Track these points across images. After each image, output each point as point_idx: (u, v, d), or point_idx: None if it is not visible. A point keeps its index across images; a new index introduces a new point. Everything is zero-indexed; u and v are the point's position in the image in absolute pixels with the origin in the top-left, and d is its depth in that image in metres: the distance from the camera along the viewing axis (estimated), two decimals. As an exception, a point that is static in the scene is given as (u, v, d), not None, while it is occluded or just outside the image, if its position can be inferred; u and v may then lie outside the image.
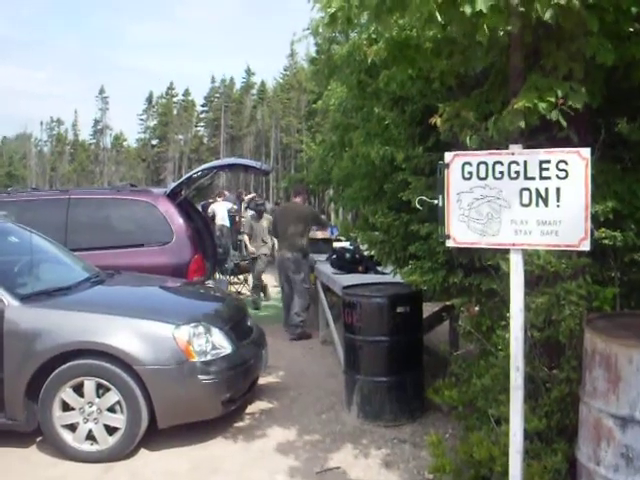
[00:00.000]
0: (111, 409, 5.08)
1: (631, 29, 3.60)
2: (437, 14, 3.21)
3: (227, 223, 18.71)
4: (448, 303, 5.46)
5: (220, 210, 19.48)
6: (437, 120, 3.92)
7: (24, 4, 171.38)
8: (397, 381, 5.71)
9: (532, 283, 4.05)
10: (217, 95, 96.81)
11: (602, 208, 3.96)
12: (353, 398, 5.87)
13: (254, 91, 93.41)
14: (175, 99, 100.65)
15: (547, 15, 3.13)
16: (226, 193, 21.93)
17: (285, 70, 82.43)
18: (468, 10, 3.05)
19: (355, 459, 5.02)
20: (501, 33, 3.59)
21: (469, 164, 3.30)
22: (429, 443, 4.29)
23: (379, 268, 7.97)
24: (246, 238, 12.52)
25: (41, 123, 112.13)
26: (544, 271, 3.88)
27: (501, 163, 3.20)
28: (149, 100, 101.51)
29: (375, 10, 3.66)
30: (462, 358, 4.98)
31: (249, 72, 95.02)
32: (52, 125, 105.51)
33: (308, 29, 8.77)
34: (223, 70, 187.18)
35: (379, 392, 5.72)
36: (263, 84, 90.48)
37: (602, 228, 3.98)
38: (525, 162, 3.13)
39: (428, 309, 6.82)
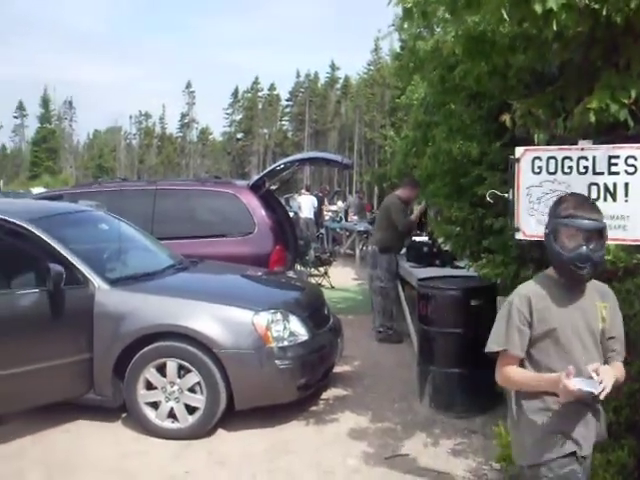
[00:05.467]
0: (191, 389, 5.31)
1: None
2: (504, 12, 3.27)
3: (312, 216, 19.31)
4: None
5: (305, 203, 20.07)
6: (507, 119, 3.96)
7: (118, 4, 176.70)
8: (469, 373, 5.74)
9: (604, 279, 4.06)
10: (302, 90, 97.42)
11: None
12: (425, 388, 5.95)
13: (338, 86, 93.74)
14: (260, 94, 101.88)
15: (618, 18, 3.15)
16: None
17: (369, 65, 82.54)
18: (539, 8, 3.09)
19: (425, 447, 5.11)
20: (570, 31, 3.62)
21: (539, 159, 3.38)
22: (496, 433, 4.35)
23: (456, 262, 8.02)
24: None
25: (130, 117, 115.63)
26: (614, 266, 3.89)
27: (570, 158, 3.27)
28: (235, 95, 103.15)
29: (450, 6, 3.74)
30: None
31: (333, 67, 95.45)
32: (140, 119, 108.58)
33: (393, 25, 8.81)
34: (308, 65, 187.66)
35: (451, 383, 5.78)
36: (347, 79, 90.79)
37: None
38: (594, 157, 3.19)
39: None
